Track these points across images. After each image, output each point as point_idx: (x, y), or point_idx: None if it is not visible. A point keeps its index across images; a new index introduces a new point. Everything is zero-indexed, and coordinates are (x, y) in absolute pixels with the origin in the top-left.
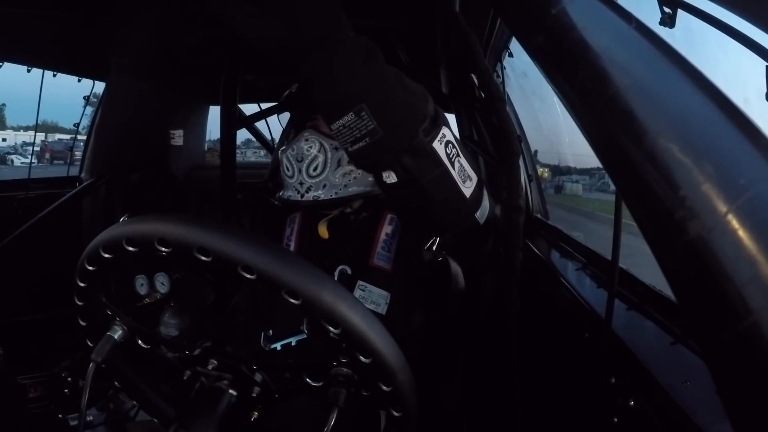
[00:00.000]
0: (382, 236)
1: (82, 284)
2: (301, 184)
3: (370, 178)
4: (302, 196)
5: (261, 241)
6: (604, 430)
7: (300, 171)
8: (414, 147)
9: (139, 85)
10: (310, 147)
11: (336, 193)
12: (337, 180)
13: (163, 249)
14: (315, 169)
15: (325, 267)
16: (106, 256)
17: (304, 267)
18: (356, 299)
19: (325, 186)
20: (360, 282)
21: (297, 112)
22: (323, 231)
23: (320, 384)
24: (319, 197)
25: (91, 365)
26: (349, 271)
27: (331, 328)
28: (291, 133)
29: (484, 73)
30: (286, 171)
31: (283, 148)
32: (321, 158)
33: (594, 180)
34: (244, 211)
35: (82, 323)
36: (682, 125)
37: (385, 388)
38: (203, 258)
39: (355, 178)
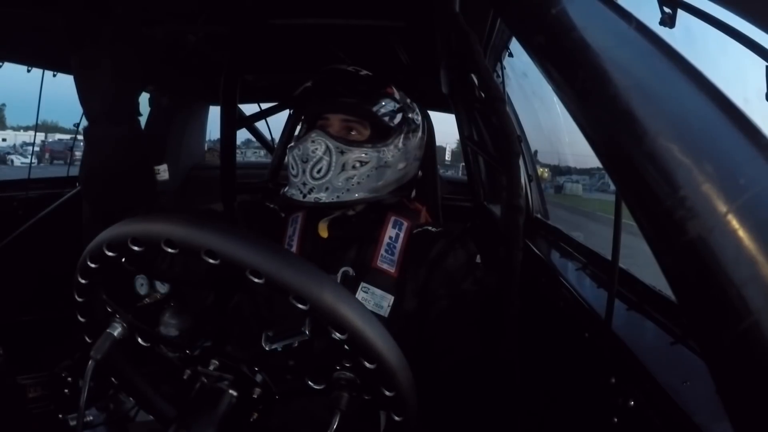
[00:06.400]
0: (386, 239)
1: (83, 281)
2: (304, 184)
3: (374, 184)
4: (304, 196)
5: (270, 245)
6: (604, 430)
7: (304, 171)
8: None
9: (116, 129)
10: (316, 149)
11: (338, 196)
12: (339, 184)
13: (169, 250)
14: (318, 171)
15: (328, 268)
16: (110, 254)
17: (313, 273)
18: (364, 306)
19: (327, 189)
20: (363, 284)
21: (308, 109)
22: (323, 230)
23: (322, 387)
24: (321, 199)
25: (90, 362)
26: (353, 273)
27: (338, 334)
28: (303, 129)
29: (484, 73)
30: (291, 170)
31: (291, 144)
32: (325, 161)
33: (594, 180)
34: (241, 216)
35: (82, 320)
36: (682, 125)
37: (387, 393)
38: (211, 261)
39: (358, 183)
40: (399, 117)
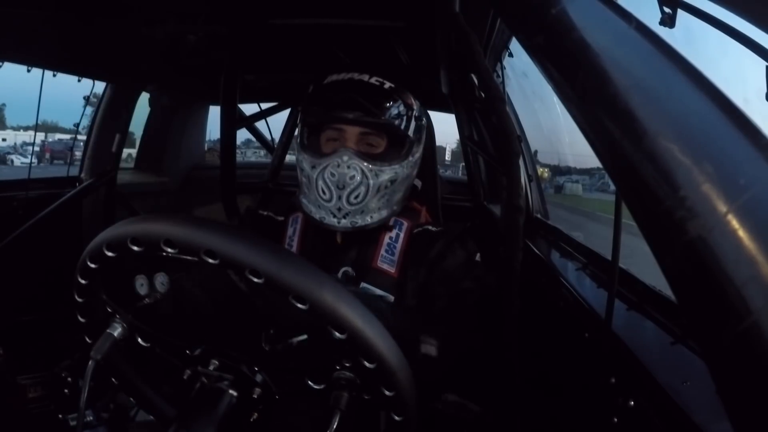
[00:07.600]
0: (386, 239)
1: (82, 281)
2: (339, 210)
3: (395, 198)
4: (339, 221)
5: (270, 245)
6: (604, 430)
7: (340, 198)
8: None
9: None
10: (353, 176)
11: (372, 217)
12: (373, 205)
13: (169, 250)
14: (356, 197)
15: (329, 268)
16: (109, 254)
17: (312, 272)
18: (363, 306)
19: (363, 212)
20: (363, 284)
21: (312, 110)
22: (340, 238)
23: (322, 387)
24: (357, 223)
25: (90, 362)
26: (353, 273)
27: (338, 333)
28: (305, 131)
29: (484, 73)
30: (322, 194)
31: (317, 162)
32: (363, 188)
33: (594, 180)
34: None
35: (82, 320)
36: (682, 125)
37: (387, 393)
38: (210, 261)
39: (387, 200)
40: (413, 126)
